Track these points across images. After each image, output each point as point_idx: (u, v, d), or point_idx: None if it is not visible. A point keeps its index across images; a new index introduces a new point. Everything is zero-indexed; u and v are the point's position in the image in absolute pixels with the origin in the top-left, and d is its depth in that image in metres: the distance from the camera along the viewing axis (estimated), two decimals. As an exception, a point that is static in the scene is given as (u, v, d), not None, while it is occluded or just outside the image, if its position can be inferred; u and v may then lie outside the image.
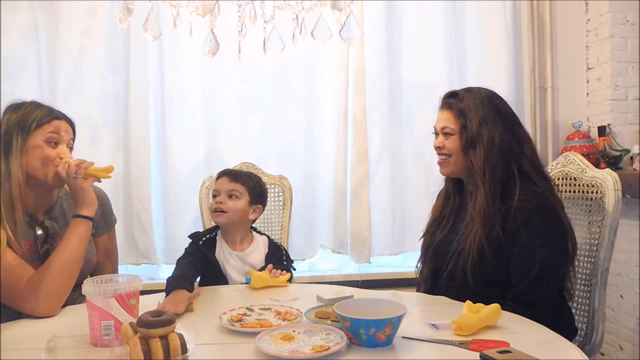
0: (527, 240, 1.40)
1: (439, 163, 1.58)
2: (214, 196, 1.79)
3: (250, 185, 1.78)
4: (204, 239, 1.75)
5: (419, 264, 1.69)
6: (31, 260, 1.40)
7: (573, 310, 1.57)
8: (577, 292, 1.59)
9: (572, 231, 1.47)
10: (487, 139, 1.46)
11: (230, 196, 1.75)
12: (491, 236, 1.41)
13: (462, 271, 1.43)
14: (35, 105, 1.49)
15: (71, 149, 1.53)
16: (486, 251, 1.40)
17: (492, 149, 1.46)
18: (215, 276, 1.71)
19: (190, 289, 1.45)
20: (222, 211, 1.73)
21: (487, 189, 1.45)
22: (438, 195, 1.72)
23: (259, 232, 1.85)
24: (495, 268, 1.42)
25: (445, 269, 1.48)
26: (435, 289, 1.56)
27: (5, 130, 1.43)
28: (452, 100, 1.55)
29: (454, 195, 1.62)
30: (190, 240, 1.75)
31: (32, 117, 1.44)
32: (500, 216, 1.42)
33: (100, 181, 1.51)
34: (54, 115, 1.48)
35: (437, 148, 1.57)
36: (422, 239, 1.68)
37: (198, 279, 1.74)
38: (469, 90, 1.56)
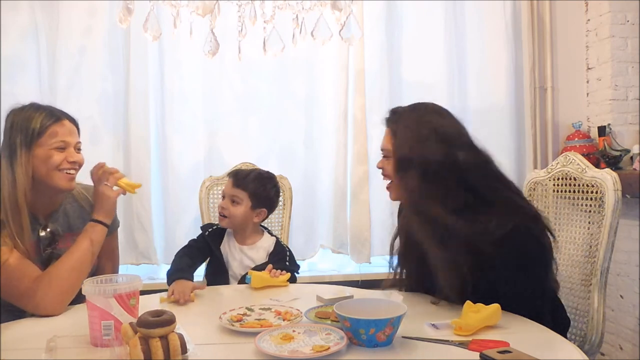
0: (505, 271, 1.26)
1: (387, 188, 1.45)
2: (222, 197, 1.83)
3: (252, 190, 1.78)
4: (210, 229, 1.82)
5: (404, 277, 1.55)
6: (34, 263, 1.40)
7: (574, 310, 1.57)
8: (576, 292, 1.59)
9: (548, 238, 1.35)
10: (420, 162, 1.31)
11: (232, 201, 1.77)
12: (463, 270, 1.26)
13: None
14: (35, 108, 1.47)
15: (79, 149, 1.53)
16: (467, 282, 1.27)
17: (428, 173, 1.30)
18: (218, 267, 1.75)
19: (191, 279, 1.55)
20: (224, 216, 1.78)
21: (428, 219, 1.29)
22: (400, 217, 1.57)
23: (270, 234, 1.88)
24: (483, 291, 1.27)
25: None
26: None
27: (9, 137, 1.43)
28: (390, 118, 1.43)
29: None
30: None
31: (32, 122, 1.43)
32: (468, 247, 1.26)
33: (124, 194, 1.54)
34: (54, 117, 1.47)
35: (380, 168, 1.46)
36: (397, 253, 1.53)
37: (204, 271, 1.84)
38: (412, 108, 1.43)
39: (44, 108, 1.49)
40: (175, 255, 1.71)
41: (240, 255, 1.77)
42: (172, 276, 1.55)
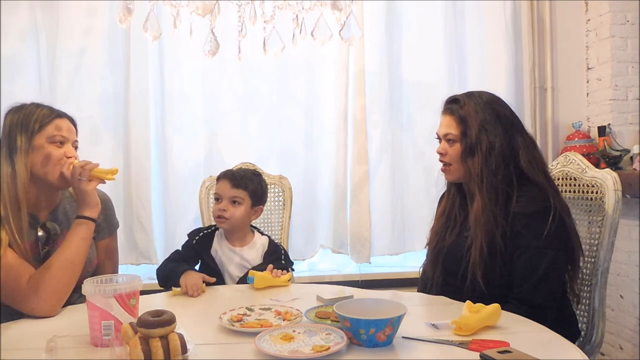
0: (528, 242, 1.39)
1: (443, 170, 1.58)
2: (217, 199, 1.80)
3: (252, 189, 1.79)
4: (200, 235, 1.79)
5: (424, 265, 1.67)
6: (31, 262, 1.40)
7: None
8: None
9: (576, 235, 1.47)
10: (486, 146, 1.46)
11: (233, 202, 1.76)
12: (493, 243, 1.41)
13: (474, 278, 1.42)
14: (36, 105, 1.50)
15: (76, 148, 1.54)
16: (491, 258, 1.40)
17: (491, 156, 1.46)
18: (210, 272, 1.71)
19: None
20: (225, 218, 1.75)
21: (484, 196, 1.45)
22: (442, 197, 1.70)
23: (261, 233, 1.86)
24: (503, 273, 1.42)
25: (462, 278, 1.46)
26: (449, 292, 1.48)
27: (8, 132, 1.44)
28: (454, 106, 1.54)
29: (458, 198, 1.61)
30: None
31: (34, 117, 1.45)
32: (502, 222, 1.42)
33: (104, 182, 1.52)
34: (55, 114, 1.49)
35: (440, 154, 1.57)
36: (428, 242, 1.66)
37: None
38: (470, 95, 1.54)
39: (44, 106, 1.51)
40: (165, 262, 1.73)
41: (236, 257, 1.76)
42: (178, 270, 1.58)
